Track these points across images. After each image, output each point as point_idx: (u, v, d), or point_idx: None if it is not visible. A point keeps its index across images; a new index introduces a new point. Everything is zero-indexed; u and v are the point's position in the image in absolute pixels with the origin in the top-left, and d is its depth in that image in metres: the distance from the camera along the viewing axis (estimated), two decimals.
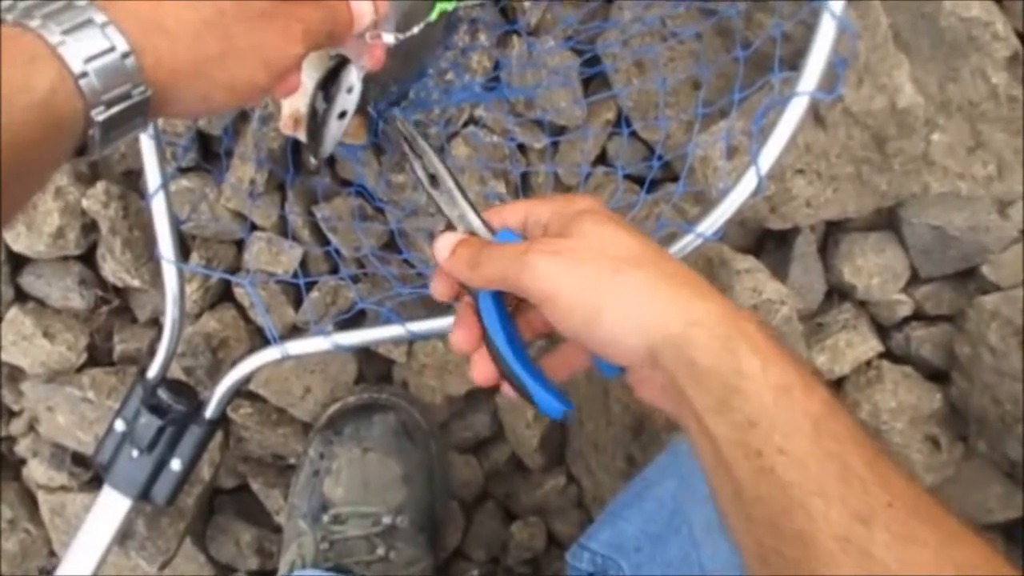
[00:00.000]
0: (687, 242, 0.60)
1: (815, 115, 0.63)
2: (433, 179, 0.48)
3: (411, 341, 0.81)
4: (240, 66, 0.43)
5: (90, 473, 0.91)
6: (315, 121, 0.62)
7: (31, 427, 0.91)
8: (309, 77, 0.60)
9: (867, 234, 0.70)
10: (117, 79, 0.37)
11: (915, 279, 0.71)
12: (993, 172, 0.66)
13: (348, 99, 0.60)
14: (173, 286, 0.71)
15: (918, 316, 0.72)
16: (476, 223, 0.47)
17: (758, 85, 0.62)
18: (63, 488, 0.90)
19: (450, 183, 0.48)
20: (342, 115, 0.61)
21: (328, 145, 0.63)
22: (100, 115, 0.38)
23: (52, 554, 0.94)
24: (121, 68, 0.38)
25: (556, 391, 0.46)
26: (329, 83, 0.60)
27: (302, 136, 0.65)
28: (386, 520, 0.71)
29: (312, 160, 0.64)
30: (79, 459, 0.90)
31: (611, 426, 0.73)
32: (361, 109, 0.69)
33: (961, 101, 0.64)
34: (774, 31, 0.63)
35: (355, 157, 0.77)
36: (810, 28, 0.64)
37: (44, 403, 0.86)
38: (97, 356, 0.87)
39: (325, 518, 0.72)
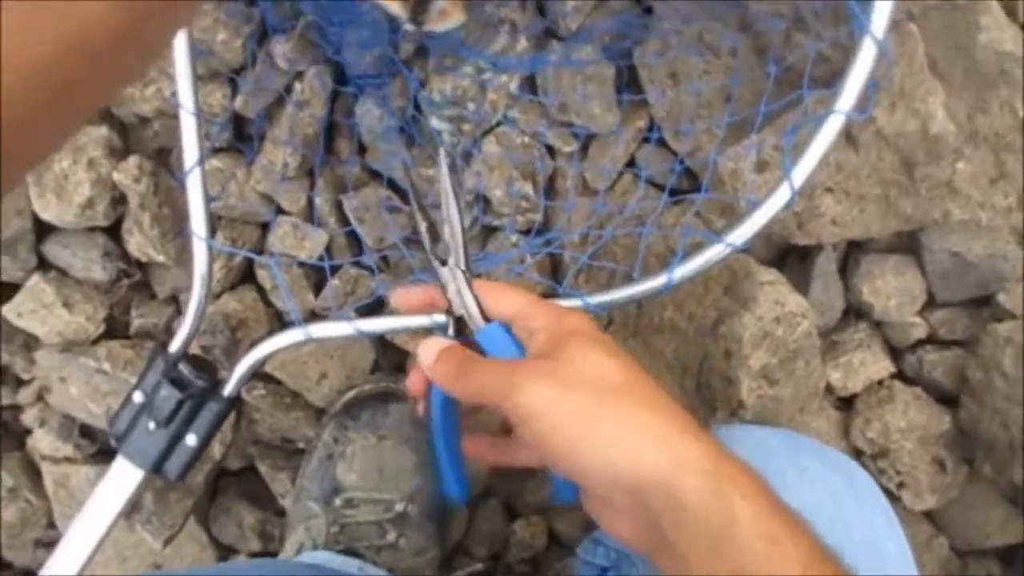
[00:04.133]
0: (716, 252, 0.61)
1: (848, 135, 0.64)
2: (434, 239, 0.51)
3: (431, 332, 0.82)
4: None
5: (96, 446, 0.91)
6: None
7: (40, 396, 0.91)
8: None
9: (887, 256, 0.71)
10: None
11: (931, 303, 0.72)
12: (1013, 203, 0.68)
13: None
14: (202, 264, 0.72)
15: (931, 340, 0.73)
16: (472, 308, 0.49)
17: (787, 100, 0.64)
18: (68, 459, 0.91)
19: (462, 253, 0.50)
20: None
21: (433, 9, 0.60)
22: None
23: (51, 526, 0.94)
24: None
25: (464, 480, 0.51)
26: None
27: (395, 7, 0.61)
28: (398, 507, 0.72)
29: (409, 24, 0.60)
30: (87, 431, 0.90)
31: None
32: None
33: (988, 132, 0.66)
34: (809, 50, 0.65)
35: (390, 141, 0.78)
36: (844, 50, 0.66)
37: (57, 372, 0.86)
38: (114, 329, 0.87)
39: (337, 502, 0.73)
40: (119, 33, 0.30)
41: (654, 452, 0.39)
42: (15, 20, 0.28)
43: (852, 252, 0.73)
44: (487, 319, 0.49)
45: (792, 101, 0.64)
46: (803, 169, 0.59)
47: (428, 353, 0.47)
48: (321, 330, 0.72)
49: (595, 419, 0.40)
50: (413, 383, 0.51)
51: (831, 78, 0.65)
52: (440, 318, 0.57)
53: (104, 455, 0.91)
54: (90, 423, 0.88)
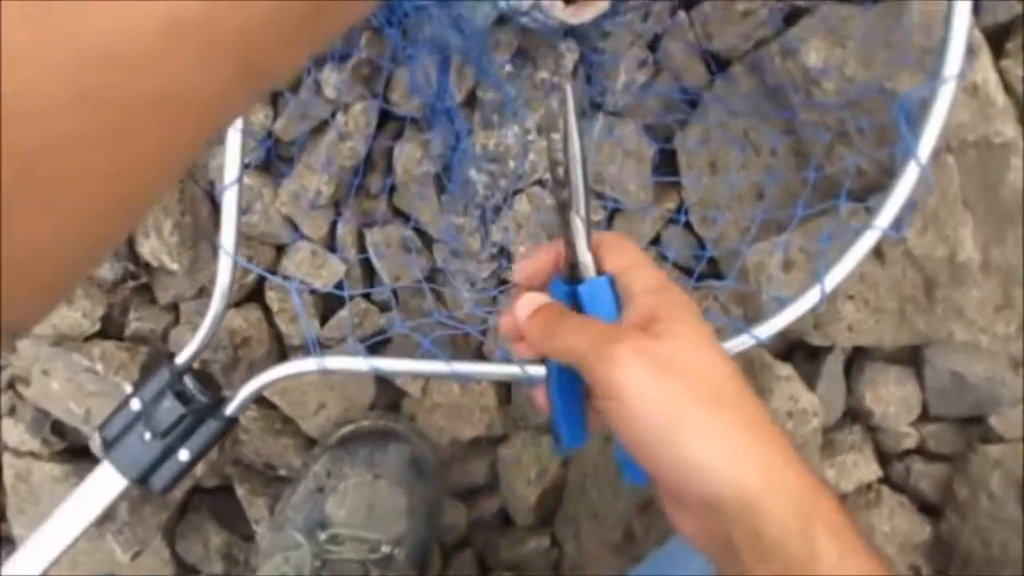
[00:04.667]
0: (741, 341, 0.63)
1: (877, 249, 0.67)
2: (560, 184, 0.45)
3: (430, 378, 0.83)
4: None
5: (64, 444, 0.88)
6: None
7: (11, 385, 0.88)
8: None
9: (890, 366, 0.74)
10: None
11: (924, 416, 0.75)
12: (1013, 332, 0.72)
13: None
14: (226, 278, 0.71)
15: (920, 451, 0.76)
16: (585, 257, 0.44)
17: (821, 207, 0.67)
18: (33, 454, 0.88)
19: (581, 199, 0.45)
20: None
21: None
22: None
23: (1, 518, 0.91)
24: None
25: (580, 427, 0.46)
26: None
27: None
28: (384, 549, 0.71)
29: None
30: (58, 428, 0.87)
31: (618, 500, 0.75)
32: None
33: (1000, 263, 0.70)
34: (849, 163, 0.69)
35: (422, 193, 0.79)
36: (881, 168, 0.69)
37: (41, 365, 0.84)
38: (108, 329, 0.85)
39: (322, 536, 0.72)
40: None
41: (741, 469, 0.36)
42: None
43: (856, 358, 0.75)
44: (600, 273, 0.44)
45: (824, 208, 0.67)
46: (835, 276, 0.62)
47: (524, 309, 0.44)
48: (335, 363, 0.72)
49: (687, 418, 0.37)
50: (504, 324, 0.46)
51: (865, 193, 0.69)
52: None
53: (71, 455, 0.88)
54: (65, 420, 0.85)
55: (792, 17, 0.75)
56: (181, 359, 0.72)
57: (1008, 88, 0.68)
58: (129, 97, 0.22)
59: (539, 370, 0.66)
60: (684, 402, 0.37)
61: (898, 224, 0.60)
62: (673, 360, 0.38)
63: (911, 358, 0.74)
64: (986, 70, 0.63)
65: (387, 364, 0.70)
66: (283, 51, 0.25)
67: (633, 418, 0.38)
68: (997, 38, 0.71)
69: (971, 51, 0.64)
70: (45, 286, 0.24)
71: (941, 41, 0.59)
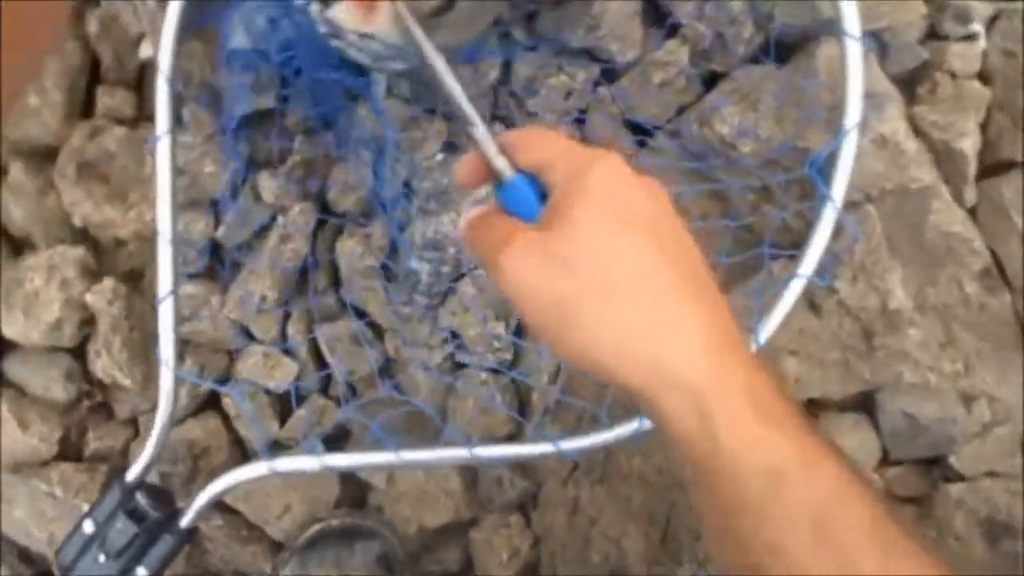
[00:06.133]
0: None
1: (812, 303, 0.68)
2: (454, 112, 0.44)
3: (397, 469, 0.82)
4: None
5: (32, 571, 0.87)
6: None
7: None
8: None
9: (843, 415, 0.74)
10: None
11: (885, 460, 0.75)
12: (960, 369, 0.72)
13: None
14: (168, 392, 0.71)
15: (887, 496, 0.76)
16: (496, 162, 0.43)
17: (748, 255, 0.68)
18: None
19: (471, 111, 0.44)
20: None
21: None
22: None
23: None
24: None
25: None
26: None
27: None
28: None
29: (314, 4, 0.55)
30: (25, 555, 0.86)
31: (588, 571, 0.74)
32: None
33: (936, 302, 0.70)
34: (775, 218, 0.70)
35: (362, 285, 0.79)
36: (806, 221, 0.71)
37: (3, 493, 0.83)
38: (67, 451, 0.85)
39: None
40: None
41: (635, 367, 0.35)
42: None
43: (810, 409, 0.75)
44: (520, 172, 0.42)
45: (759, 265, 0.68)
46: (768, 327, 0.62)
47: (463, 222, 0.43)
48: (286, 464, 0.71)
49: (577, 314, 0.35)
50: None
51: (794, 248, 0.70)
52: None
53: None
54: (31, 548, 0.84)
55: (712, 80, 0.77)
56: (131, 475, 0.71)
57: (921, 133, 0.69)
58: None
59: (493, 452, 0.66)
60: (572, 297, 0.36)
61: (823, 272, 0.61)
62: (562, 253, 0.36)
63: (863, 404, 0.75)
64: (894, 120, 0.65)
65: (337, 460, 0.70)
66: None
67: (530, 317, 0.37)
68: (908, 84, 0.73)
69: (877, 104, 0.66)
70: None
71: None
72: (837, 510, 0.32)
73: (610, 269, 0.36)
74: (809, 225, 0.66)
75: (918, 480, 0.75)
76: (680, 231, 0.39)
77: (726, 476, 0.33)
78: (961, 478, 0.72)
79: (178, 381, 0.73)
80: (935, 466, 0.75)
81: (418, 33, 0.45)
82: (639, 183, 0.39)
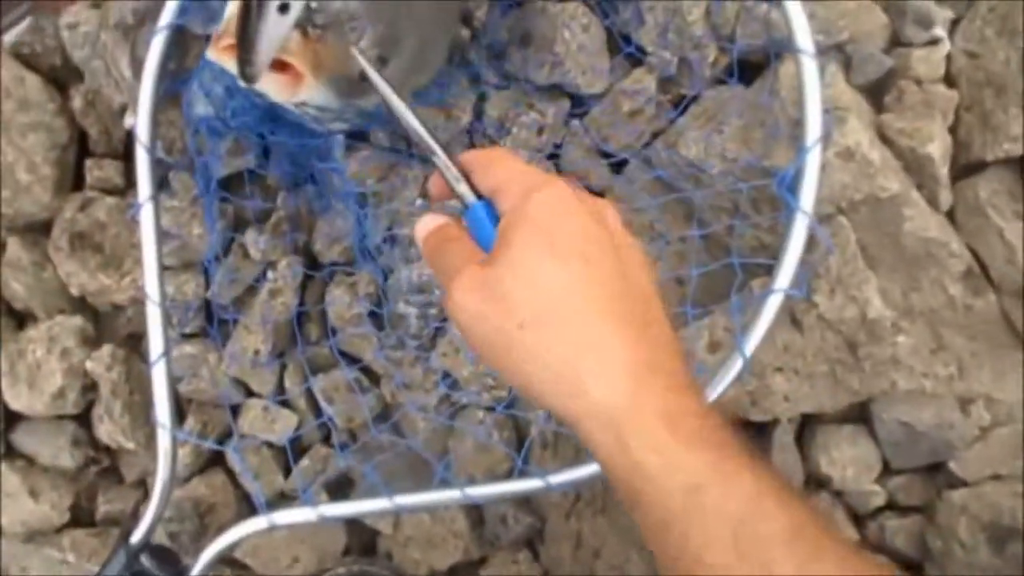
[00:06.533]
0: None
1: (792, 318, 0.68)
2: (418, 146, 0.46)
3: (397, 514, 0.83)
4: None
5: None
6: (248, 19, 0.50)
7: None
8: None
9: (841, 426, 0.74)
10: None
11: (887, 470, 0.74)
12: (954, 372, 0.71)
13: None
14: (166, 452, 0.72)
15: (891, 507, 0.75)
16: (458, 188, 0.44)
17: (720, 263, 0.68)
18: None
19: (430, 141, 0.45)
20: (283, 8, 0.50)
21: (264, 50, 0.51)
22: None
23: None
24: None
25: None
26: None
27: (231, 63, 0.53)
28: None
29: (246, 71, 0.52)
30: None
31: None
32: (326, 31, 0.55)
33: (923, 307, 0.70)
34: (747, 234, 0.70)
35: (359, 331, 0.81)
36: (780, 237, 0.71)
37: (18, 563, 0.85)
38: (79, 516, 0.86)
39: None
40: None
41: (563, 395, 0.36)
42: None
43: (807, 423, 0.75)
44: (480, 197, 0.44)
45: (738, 285, 0.68)
46: (752, 341, 0.62)
47: (421, 230, 0.44)
48: (285, 517, 0.72)
49: (514, 345, 0.37)
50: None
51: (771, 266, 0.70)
52: None
53: None
54: None
55: (685, 105, 0.78)
56: (135, 538, 0.72)
57: (888, 141, 0.69)
58: None
59: (485, 491, 0.66)
60: (509, 329, 0.37)
61: (799, 284, 0.61)
62: (500, 288, 0.38)
63: (860, 415, 0.74)
64: (857, 132, 0.65)
65: (334, 510, 0.70)
66: None
67: (474, 347, 0.39)
68: (875, 94, 0.74)
69: (840, 117, 0.66)
70: None
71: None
72: (756, 521, 0.33)
73: (541, 299, 0.37)
74: (782, 240, 0.66)
75: (922, 488, 0.74)
76: (625, 252, 0.40)
77: (648, 496, 0.34)
78: (964, 483, 0.71)
79: (176, 443, 0.74)
80: (937, 473, 0.74)
81: (372, 73, 0.46)
82: (581, 208, 0.39)
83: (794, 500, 0.34)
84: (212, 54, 0.56)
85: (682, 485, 0.33)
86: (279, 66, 0.55)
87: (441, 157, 0.45)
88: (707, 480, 0.33)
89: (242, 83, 0.53)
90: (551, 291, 0.37)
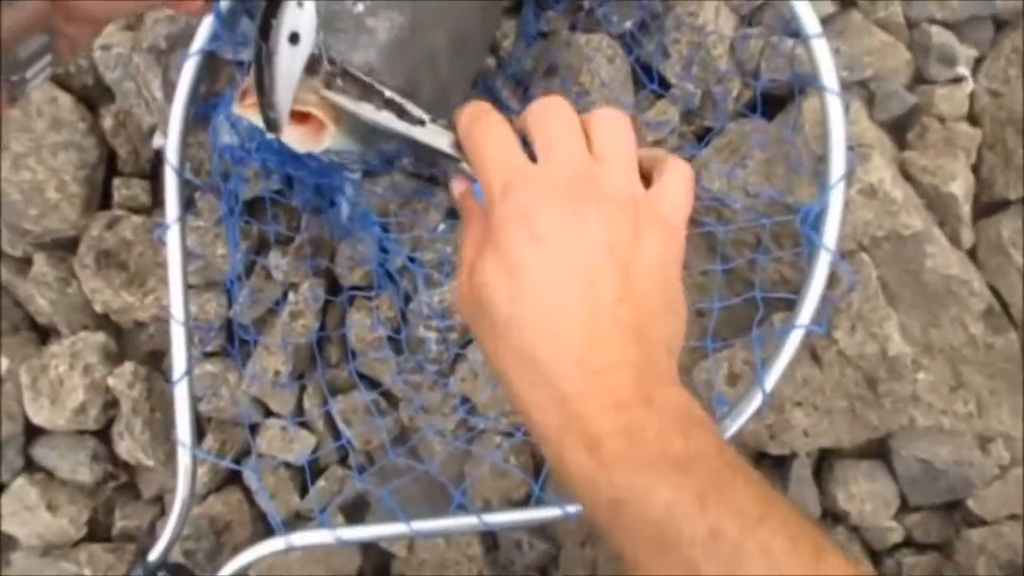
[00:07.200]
0: None
1: (812, 354, 0.68)
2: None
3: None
4: None
5: None
6: (261, 60, 0.50)
7: None
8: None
9: (859, 462, 0.73)
10: None
11: (905, 507, 0.74)
12: (973, 410, 0.71)
13: (299, 17, 0.50)
14: (187, 470, 0.73)
15: (909, 543, 0.75)
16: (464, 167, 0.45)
17: (741, 297, 0.68)
18: None
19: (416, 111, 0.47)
20: (294, 38, 0.49)
21: (283, 89, 0.51)
22: None
23: None
24: None
25: None
26: (269, 20, 0.50)
27: (256, 117, 0.53)
28: None
29: (269, 116, 0.52)
30: None
31: None
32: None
33: (943, 344, 0.70)
34: (770, 270, 0.70)
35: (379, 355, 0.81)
36: (803, 273, 0.71)
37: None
38: (96, 531, 0.87)
39: None
40: None
41: (545, 408, 0.37)
42: None
43: (825, 458, 0.75)
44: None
45: (760, 319, 0.68)
46: (772, 376, 0.62)
47: (457, 188, 0.48)
48: (302, 538, 0.72)
49: (492, 357, 0.39)
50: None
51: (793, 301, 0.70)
52: None
53: None
54: None
55: (709, 139, 0.78)
56: (153, 556, 0.72)
57: (911, 178, 0.70)
58: None
59: (502, 518, 0.67)
60: (489, 344, 0.40)
61: (820, 320, 0.61)
62: (492, 284, 0.39)
63: (878, 451, 0.74)
64: (880, 170, 0.66)
65: (351, 533, 0.71)
66: None
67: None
68: (898, 130, 0.74)
69: (864, 154, 0.66)
70: None
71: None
72: (676, 527, 0.34)
73: (505, 306, 0.39)
74: (804, 276, 0.67)
75: (940, 526, 0.74)
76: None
77: (587, 508, 0.37)
78: (983, 522, 0.71)
79: (196, 461, 0.75)
80: (955, 511, 0.74)
81: (366, 112, 0.48)
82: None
83: (719, 506, 0.35)
84: (238, 109, 0.56)
85: (609, 498, 0.36)
86: (300, 117, 0.56)
87: (467, 167, 0.46)
88: (633, 487, 0.35)
89: (269, 135, 0.53)
90: (513, 300, 0.39)
